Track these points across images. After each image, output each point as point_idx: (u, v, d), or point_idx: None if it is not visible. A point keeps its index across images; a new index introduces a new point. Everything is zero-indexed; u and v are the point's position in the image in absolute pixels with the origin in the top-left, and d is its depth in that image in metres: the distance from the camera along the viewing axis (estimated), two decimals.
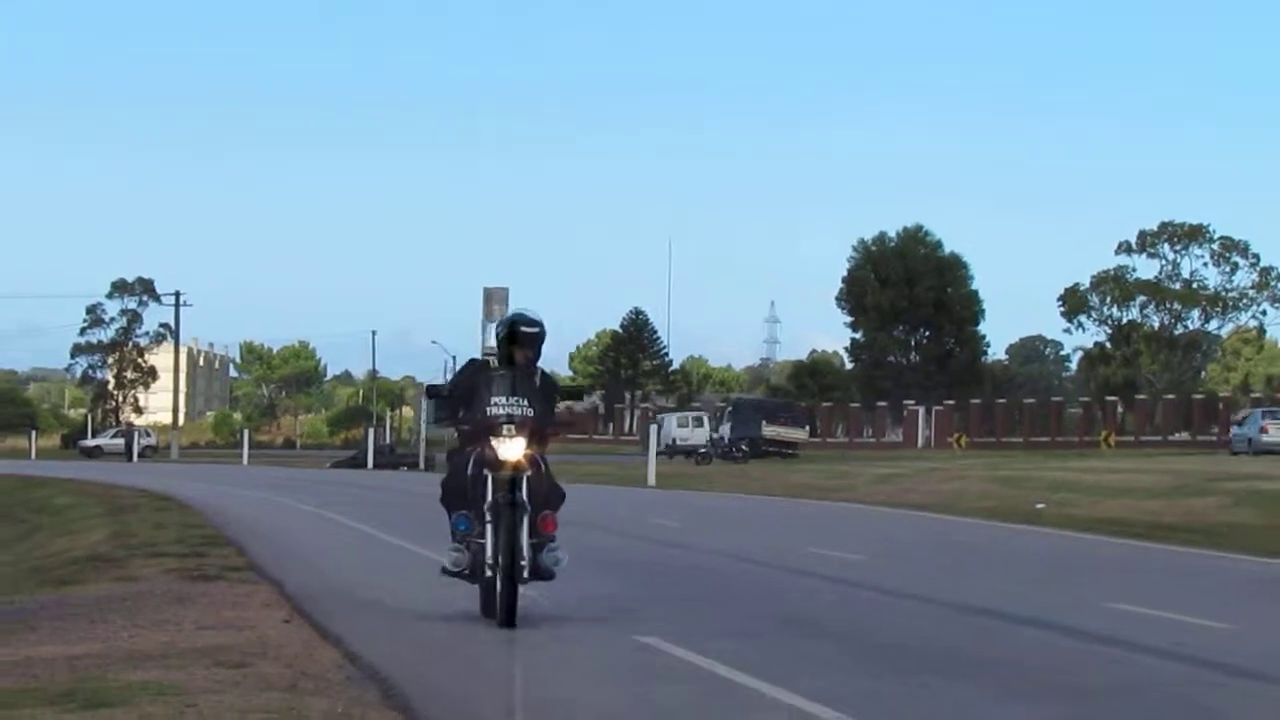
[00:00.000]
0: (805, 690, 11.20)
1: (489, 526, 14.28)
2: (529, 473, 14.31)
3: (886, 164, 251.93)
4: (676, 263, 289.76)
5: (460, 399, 14.91)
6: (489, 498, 14.30)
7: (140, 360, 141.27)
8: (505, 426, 14.39)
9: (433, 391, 15.93)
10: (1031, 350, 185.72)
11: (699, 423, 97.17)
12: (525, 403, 14.57)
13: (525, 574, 14.20)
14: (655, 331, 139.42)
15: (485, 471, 14.37)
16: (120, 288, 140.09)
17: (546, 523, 14.42)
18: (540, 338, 14.89)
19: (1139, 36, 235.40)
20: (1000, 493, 43.34)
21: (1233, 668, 12.95)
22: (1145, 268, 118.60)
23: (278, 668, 11.99)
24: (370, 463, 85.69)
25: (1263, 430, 72.27)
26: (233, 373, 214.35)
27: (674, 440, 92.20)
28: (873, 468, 59.61)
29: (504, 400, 14.57)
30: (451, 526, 14.66)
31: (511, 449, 14.31)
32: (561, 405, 16.16)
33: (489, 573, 14.32)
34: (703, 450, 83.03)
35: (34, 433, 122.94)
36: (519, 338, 14.75)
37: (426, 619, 15.98)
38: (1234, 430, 77.83)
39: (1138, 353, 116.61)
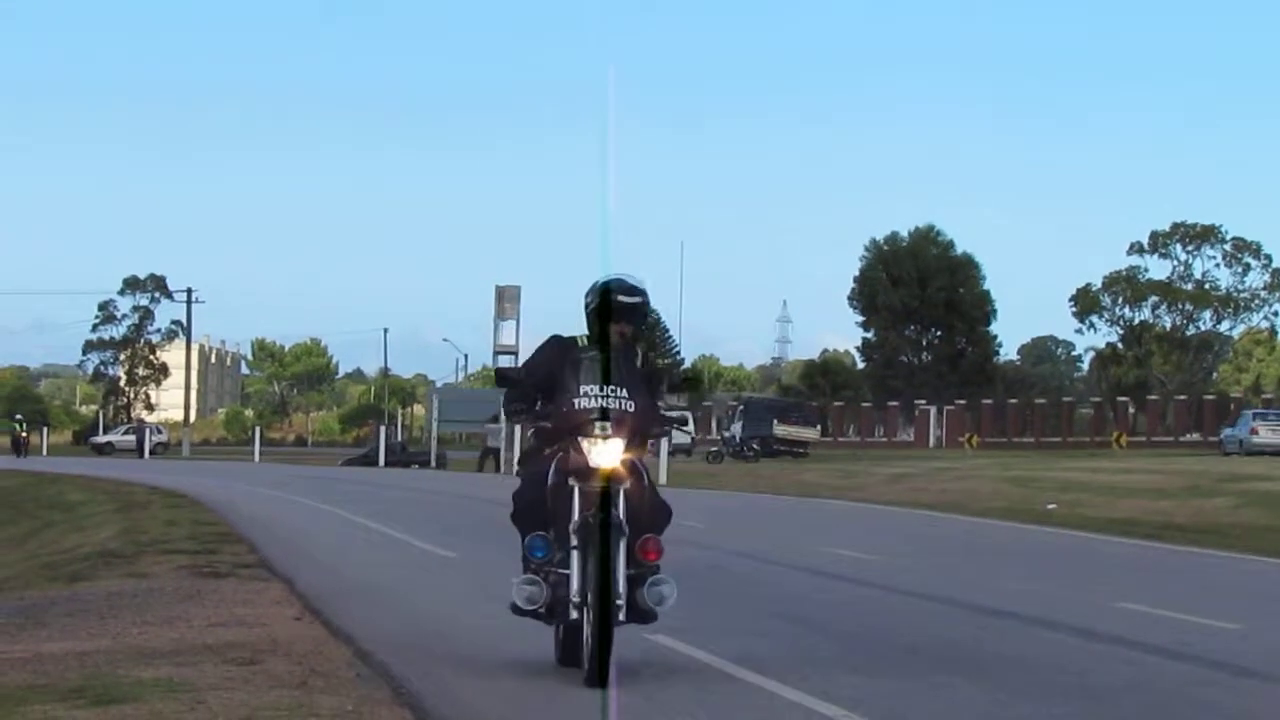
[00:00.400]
0: (814, 689, 11.21)
1: (574, 553, 11.07)
2: (627, 484, 11.20)
3: (898, 163, 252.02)
4: (688, 262, 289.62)
5: (539, 387, 11.66)
6: (575, 516, 11.12)
7: (152, 357, 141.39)
8: (598, 424, 11.18)
9: (503, 376, 12.10)
10: (1043, 350, 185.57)
11: (683, 422, 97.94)
12: (624, 393, 11.38)
13: (622, 615, 11.09)
14: (667, 330, 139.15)
15: (571, 482, 11.20)
16: (132, 284, 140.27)
17: (648, 549, 11.28)
18: (643, 311, 11.76)
19: (1152, 36, 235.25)
20: (1011, 493, 43.30)
21: (1241, 668, 12.96)
22: (1157, 268, 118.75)
23: (288, 665, 12.01)
24: (382, 461, 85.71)
25: (1253, 432, 73.93)
26: (244, 370, 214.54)
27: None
28: (884, 467, 59.57)
29: (596, 389, 11.34)
30: (525, 551, 11.39)
31: (606, 453, 11.13)
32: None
33: (573, 613, 11.12)
34: (714, 449, 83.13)
35: (46, 429, 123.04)
36: (615, 310, 11.52)
37: (437, 616, 16.02)
38: (1225, 431, 79.43)
39: (1149, 353, 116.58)
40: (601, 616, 10.90)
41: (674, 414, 11.95)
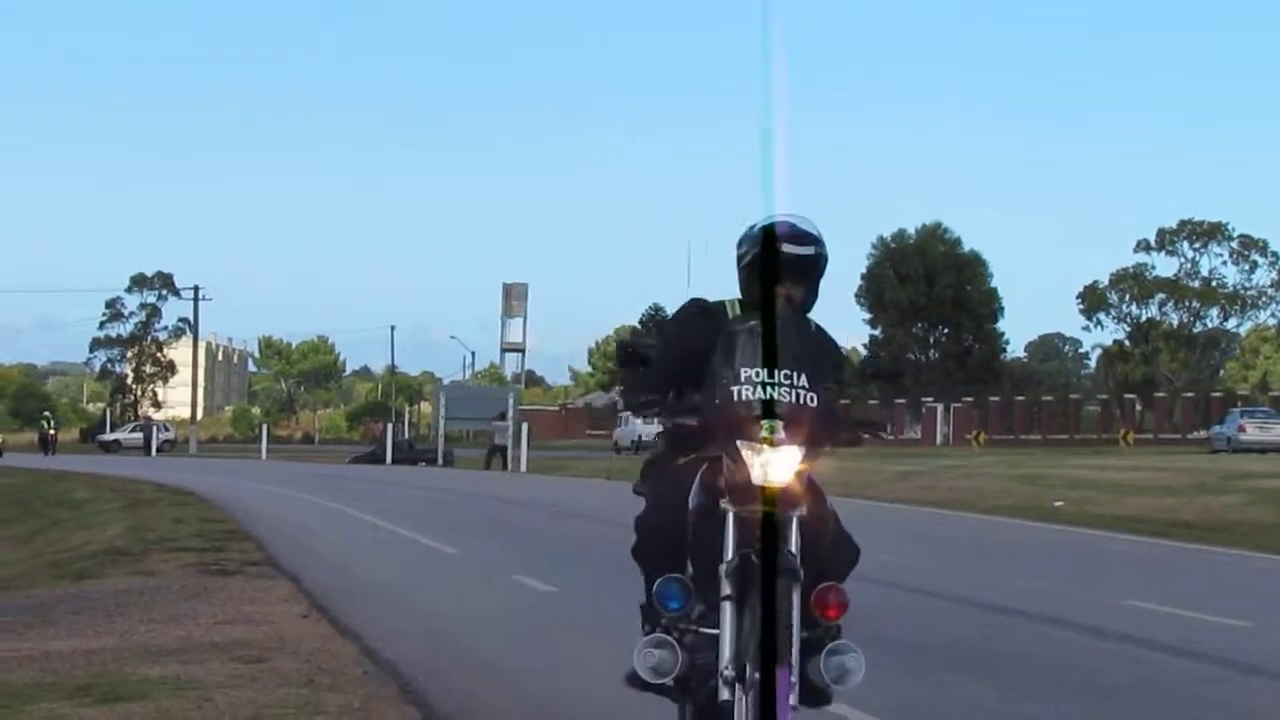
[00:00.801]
0: None
1: (726, 606, 7.53)
2: (803, 509, 7.65)
3: (906, 160, 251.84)
4: (695, 259, 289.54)
5: (678, 369, 8.15)
6: (729, 553, 7.56)
7: (159, 354, 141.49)
8: (765, 422, 7.52)
9: (632, 351, 8.63)
10: (1050, 348, 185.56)
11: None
12: (803, 381, 7.64)
13: (794, 697, 7.47)
14: None
15: (723, 505, 7.61)
16: (140, 282, 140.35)
17: (828, 602, 7.77)
18: (819, 265, 8.25)
19: (1160, 34, 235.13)
20: (1018, 490, 43.29)
21: (1250, 666, 12.94)
22: (1164, 265, 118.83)
23: (295, 663, 12.01)
24: (389, 458, 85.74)
25: (1240, 429, 75.82)
26: (251, 367, 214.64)
27: (640, 436, 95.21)
28: (891, 465, 59.51)
29: (764, 374, 7.60)
30: (651, 600, 8.00)
31: (777, 464, 7.49)
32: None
33: (723, 691, 7.47)
34: None
35: (37, 427, 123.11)
36: (783, 265, 8.06)
37: (444, 614, 16.02)
38: (1214, 429, 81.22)
39: (1156, 350, 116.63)
40: (766, 697, 7.40)
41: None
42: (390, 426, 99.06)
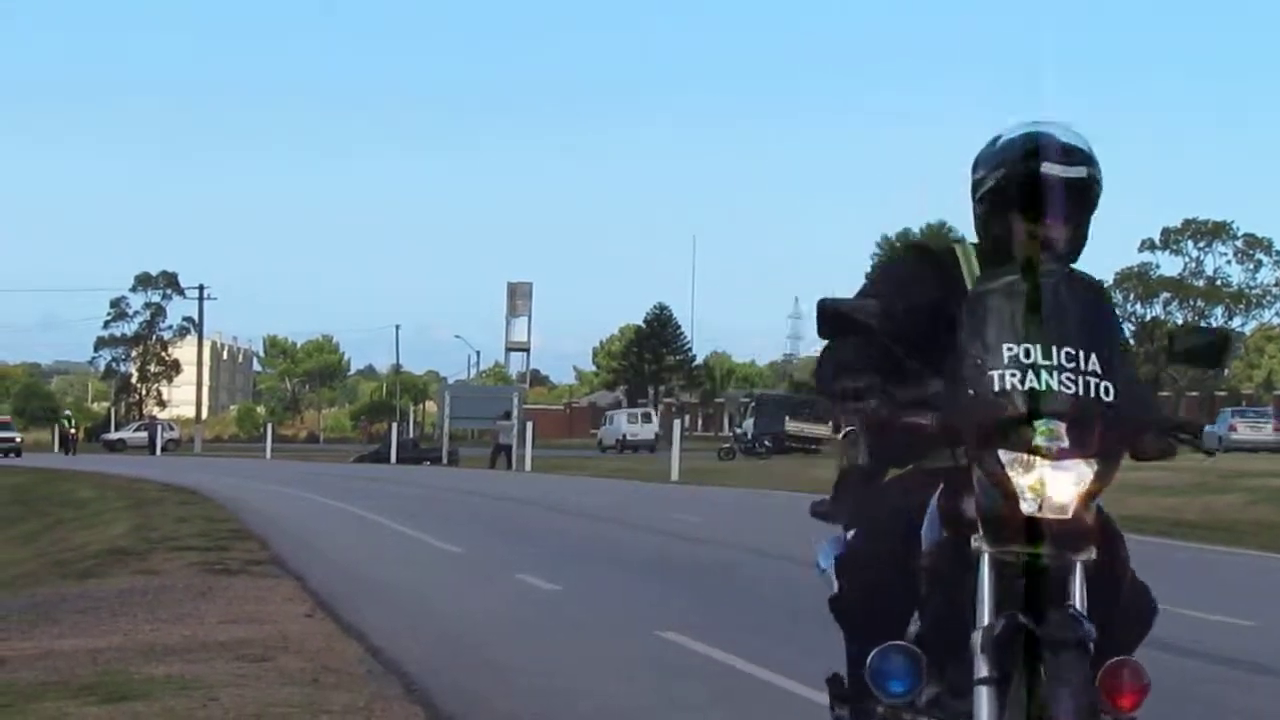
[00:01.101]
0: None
1: (984, 693, 5.11)
2: (1092, 552, 5.29)
3: (910, 158, 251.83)
4: (700, 258, 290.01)
5: (901, 342, 5.62)
6: (986, 616, 5.17)
7: (164, 354, 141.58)
8: (1039, 424, 5.07)
9: (836, 313, 5.57)
10: None
11: (647, 419, 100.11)
12: (1091, 362, 5.19)
13: None
14: (679, 327, 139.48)
15: (975, 544, 5.21)
16: (144, 281, 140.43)
17: (1120, 685, 5.21)
18: (1094, 193, 5.64)
19: (1162, 32, 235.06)
20: None
21: (1255, 665, 12.93)
22: (1169, 264, 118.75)
23: (300, 662, 12.01)
24: (394, 457, 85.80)
25: (1231, 429, 77.94)
26: (256, 367, 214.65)
27: (624, 435, 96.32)
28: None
29: (1030, 353, 5.14)
30: (859, 673, 5.69)
31: (1056, 485, 5.10)
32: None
33: None
34: (726, 446, 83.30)
35: (57, 426, 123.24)
36: (1045, 189, 5.54)
37: (448, 613, 16.02)
38: (1206, 429, 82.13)
39: (1161, 349, 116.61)
40: None
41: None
42: (395, 425, 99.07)
